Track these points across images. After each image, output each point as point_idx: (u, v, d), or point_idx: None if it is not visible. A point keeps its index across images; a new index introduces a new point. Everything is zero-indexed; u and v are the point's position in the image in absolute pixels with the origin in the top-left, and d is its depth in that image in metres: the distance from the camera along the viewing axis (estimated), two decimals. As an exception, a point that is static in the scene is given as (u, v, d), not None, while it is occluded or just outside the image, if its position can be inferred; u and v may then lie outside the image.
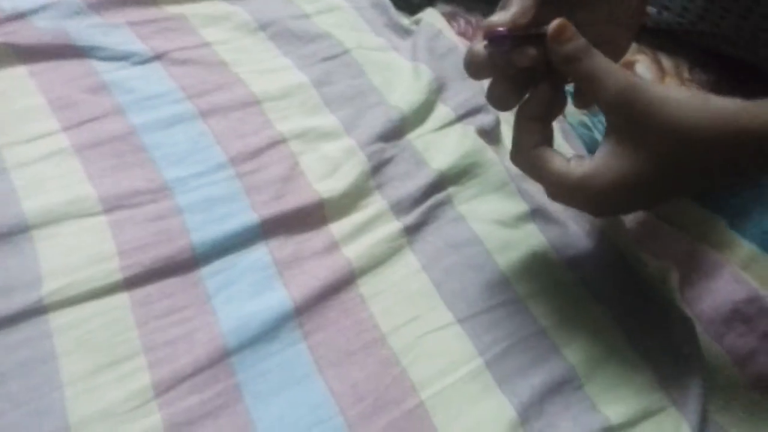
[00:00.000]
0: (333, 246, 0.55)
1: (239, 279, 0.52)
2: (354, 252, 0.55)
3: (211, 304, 0.51)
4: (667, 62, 0.69)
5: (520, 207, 0.59)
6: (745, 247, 0.57)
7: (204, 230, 0.54)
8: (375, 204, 0.59)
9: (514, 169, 0.62)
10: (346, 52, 0.72)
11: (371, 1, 0.80)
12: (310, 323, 0.51)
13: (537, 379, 0.49)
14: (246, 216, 0.55)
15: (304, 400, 0.47)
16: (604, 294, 0.55)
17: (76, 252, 0.51)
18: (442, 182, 0.60)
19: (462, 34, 0.78)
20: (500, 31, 0.45)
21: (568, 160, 0.46)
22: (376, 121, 0.64)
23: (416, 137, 0.64)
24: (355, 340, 0.50)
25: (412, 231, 0.57)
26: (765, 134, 0.40)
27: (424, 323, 0.52)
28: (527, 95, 0.48)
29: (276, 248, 0.54)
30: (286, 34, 0.73)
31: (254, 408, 0.46)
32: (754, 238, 0.58)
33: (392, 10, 0.79)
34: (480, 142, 0.63)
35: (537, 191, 0.61)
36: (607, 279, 0.56)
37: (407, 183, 0.60)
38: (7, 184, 0.55)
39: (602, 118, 0.65)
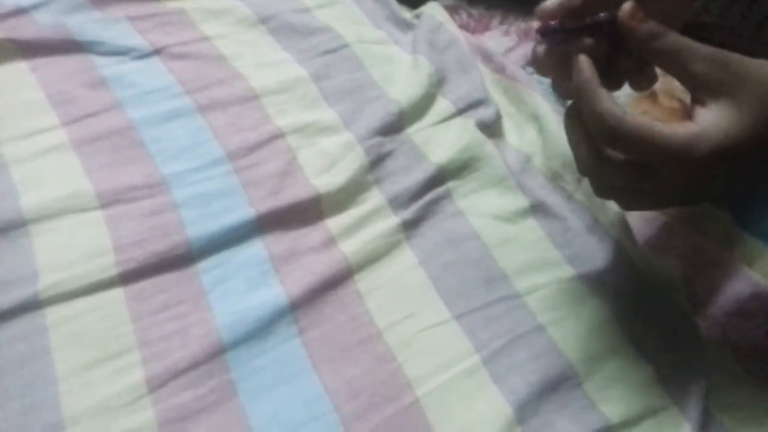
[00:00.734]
0: (330, 241, 0.55)
1: (235, 274, 0.52)
2: (351, 247, 0.55)
3: (207, 299, 0.51)
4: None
5: (519, 202, 0.59)
6: (749, 243, 0.57)
7: (200, 225, 0.54)
8: (373, 199, 0.58)
9: (514, 163, 0.62)
10: (346, 45, 0.71)
11: (372, -6, 0.79)
12: (306, 319, 0.50)
13: (534, 376, 0.49)
14: (242, 211, 0.55)
15: (298, 396, 0.47)
16: (605, 290, 0.54)
17: (72, 247, 0.51)
18: (441, 176, 0.60)
19: (464, 26, 0.78)
20: (552, 25, 0.44)
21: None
22: (375, 115, 0.63)
23: (415, 131, 0.64)
24: (350, 336, 0.50)
25: (410, 226, 0.57)
26: None
27: (420, 319, 0.51)
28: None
29: (272, 243, 0.54)
30: (286, 28, 0.73)
31: (248, 404, 0.46)
32: (758, 234, 0.57)
33: (393, 3, 0.78)
34: (480, 136, 0.62)
35: (537, 185, 0.60)
36: (608, 275, 0.55)
37: (406, 177, 0.60)
38: (6, 179, 0.55)
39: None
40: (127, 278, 0.50)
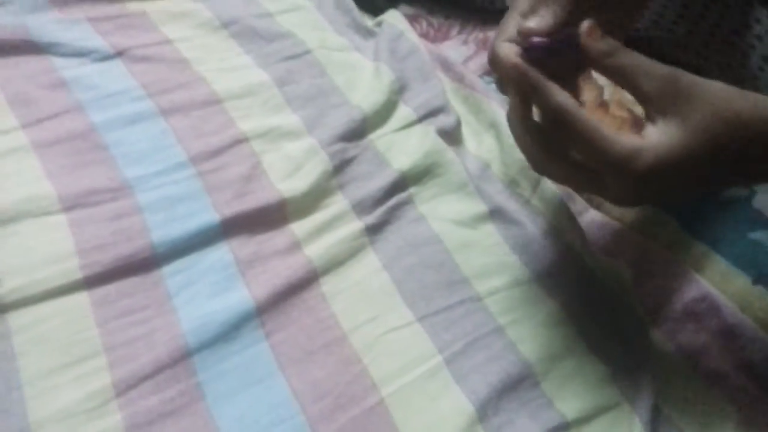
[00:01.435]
0: (294, 245, 0.56)
1: (200, 278, 0.52)
2: (315, 251, 0.55)
3: (172, 303, 0.51)
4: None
5: (478, 207, 0.60)
6: (696, 247, 0.59)
7: (165, 229, 0.54)
8: (337, 203, 0.59)
9: (474, 170, 0.63)
10: (308, 51, 0.72)
11: (334, 1, 0.80)
12: (272, 322, 0.51)
13: (495, 376, 0.50)
14: (207, 215, 0.55)
15: (265, 399, 0.47)
16: (560, 292, 0.56)
17: (34, 251, 0.51)
18: (403, 182, 0.61)
19: (424, 35, 0.79)
20: (539, 41, 0.45)
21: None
22: (338, 120, 0.64)
23: (378, 137, 0.65)
24: (316, 338, 0.51)
25: (373, 230, 0.58)
26: None
27: (384, 322, 0.52)
28: None
29: (237, 247, 0.55)
30: (248, 33, 0.73)
31: (215, 407, 0.46)
32: (705, 239, 0.59)
33: (355, 10, 0.79)
34: (440, 143, 0.64)
35: (495, 191, 0.62)
36: (563, 277, 0.57)
37: (369, 183, 0.61)
38: (-36, 182, 0.54)
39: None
40: (91, 282, 0.50)
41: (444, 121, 0.67)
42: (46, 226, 0.53)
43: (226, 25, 0.74)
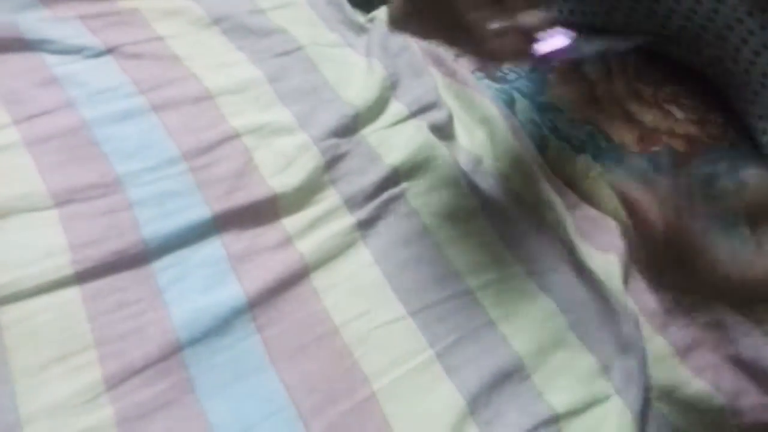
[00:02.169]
0: (286, 240, 0.56)
1: (192, 273, 0.52)
2: (307, 246, 0.55)
3: (163, 298, 0.51)
4: (613, 61, 0.70)
5: (470, 202, 0.61)
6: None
7: (156, 224, 0.54)
8: (329, 199, 0.59)
9: (466, 164, 0.64)
10: (300, 47, 0.72)
11: (327, -3, 0.80)
12: (264, 317, 0.51)
13: (486, 369, 0.50)
14: (199, 210, 0.55)
15: (256, 393, 0.47)
16: (551, 286, 0.56)
17: (26, 246, 0.51)
18: (395, 177, 0.61)
19: (416, 31, 0.79)
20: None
21: None
22: (330, 116, 0.64)
23: (370, 133, 0.65)
24: (308, 332, 0.51)
25: (365, 225, 0.58)
26: None
27: (376, 316, 0.53)
28: None
29: (229, 243, 0.55)
30: (240, 29, 0.73)
31: (206, 401, 0.47)
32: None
33: (347, 7, 0.79)
34: (432, 138, 0.64)
35: (487, 186, 0.62)
36: (554, 271, 0.57)
37: (361, 178, 0.61)
38: (-44, 179, 0.54)
39: (550, 116, 0.66)
40: (83, 277, 0.50)
41: (436, 116, 0.67)
42: (38, 222, 0.53)
43: (217, 21, 0.74)
